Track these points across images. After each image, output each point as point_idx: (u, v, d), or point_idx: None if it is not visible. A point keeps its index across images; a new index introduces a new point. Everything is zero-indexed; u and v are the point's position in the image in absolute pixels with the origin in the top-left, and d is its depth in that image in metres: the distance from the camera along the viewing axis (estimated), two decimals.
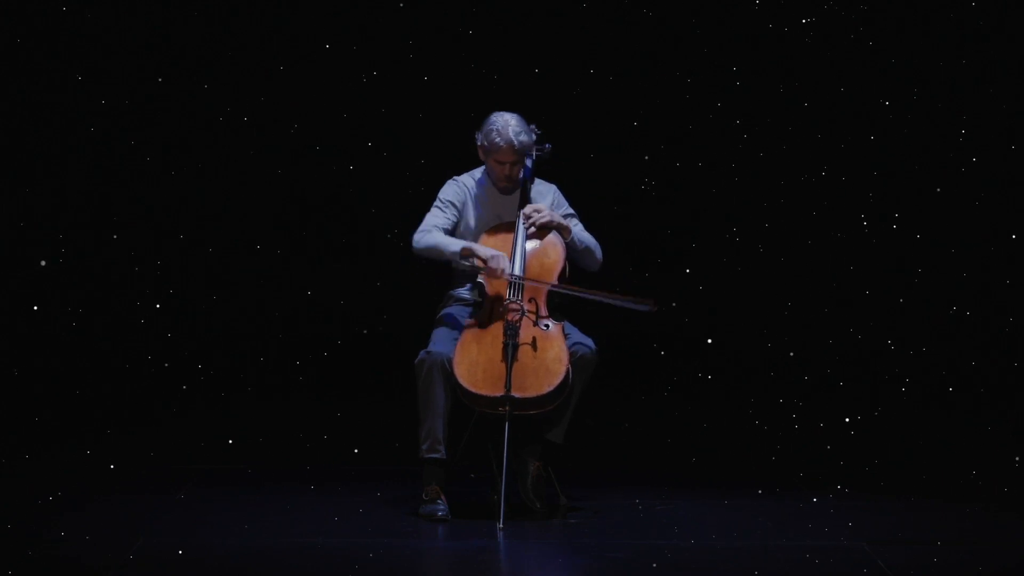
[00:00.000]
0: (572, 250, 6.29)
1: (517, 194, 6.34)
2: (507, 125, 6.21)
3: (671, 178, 8.39)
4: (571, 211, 6.41)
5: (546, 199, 6.37)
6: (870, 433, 7.86)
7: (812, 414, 8.14)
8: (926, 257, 8.29)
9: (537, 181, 6.40)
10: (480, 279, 6.20)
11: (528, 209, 6.26)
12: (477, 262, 6.14)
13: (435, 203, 6.33)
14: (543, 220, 6.25)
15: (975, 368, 8.30)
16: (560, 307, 6.26)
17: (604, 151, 8.33)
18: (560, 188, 6.45)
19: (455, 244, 6.18)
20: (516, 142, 6.21)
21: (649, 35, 8.24)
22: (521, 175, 6.33)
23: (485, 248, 6.18)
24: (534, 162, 6.34)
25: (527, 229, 6.25)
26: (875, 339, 8.41)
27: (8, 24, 7.98)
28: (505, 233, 6.27)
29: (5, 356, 8.14)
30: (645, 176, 8.39)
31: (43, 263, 8.06)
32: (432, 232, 6.23)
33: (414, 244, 6.23)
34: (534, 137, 6.30)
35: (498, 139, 6.21)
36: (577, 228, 6.34)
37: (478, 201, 6.35)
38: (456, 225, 6.32)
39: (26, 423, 7.80)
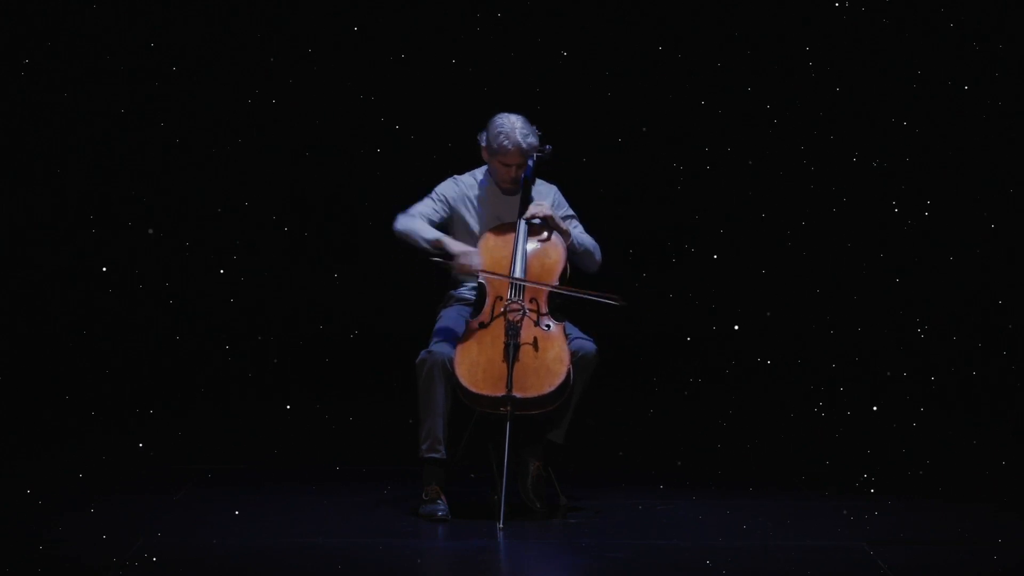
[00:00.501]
0: (571, 252, 6.29)
1: (518, 195, 6.34)
2: (514, 128, 6.21)
3: (671, 178, 8.40)
4: (571, 212, 6.41)
5: (547, 200, 6.36)
6: (870, 433, 7.86)
7: (812, 414, 8.14)
8: (927, 257, 8.29)
9: (538, 182, 6.39)
10: (481, 279, 6.20)
11: (532, 207, 6.26)
12: (445, 258, 6.13)
13: (428, 194, 6.33)
14: (545, 212, 6.25)
15: (975, 368, 8.30)
16: (561, 307, 6.26)
17: (605, 151, 8.33)
18: (560, 188, 6.45)
19: (429, 233, 6.17)
20: (524, 144, 6.21)
21: (649, 34, 8.24)
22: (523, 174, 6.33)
23: (457, 243, 6.17)
24: (535, 162, 6.34)
25: (529, 224, 6.23)
26: (875, 339, 8.41)
27: (9, 24, 7.98)
28: (507, 234, 6.26)
29: (5, 356, 8.13)
30: (646, 175, 8.39)
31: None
32: (415, 218, 6.22)
33: (394, 225, 6.22)
34: (537, 132, 6.29)
35: (506, 141, 6.20)
36: (576, 231, 6.33)
37: (479, 201, 6.34)
38: (446, 222, 6.31)
39: (26, 423, 7.80)
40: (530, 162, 6.31)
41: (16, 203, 8.14)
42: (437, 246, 6.15)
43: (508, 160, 6.23)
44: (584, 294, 6.14)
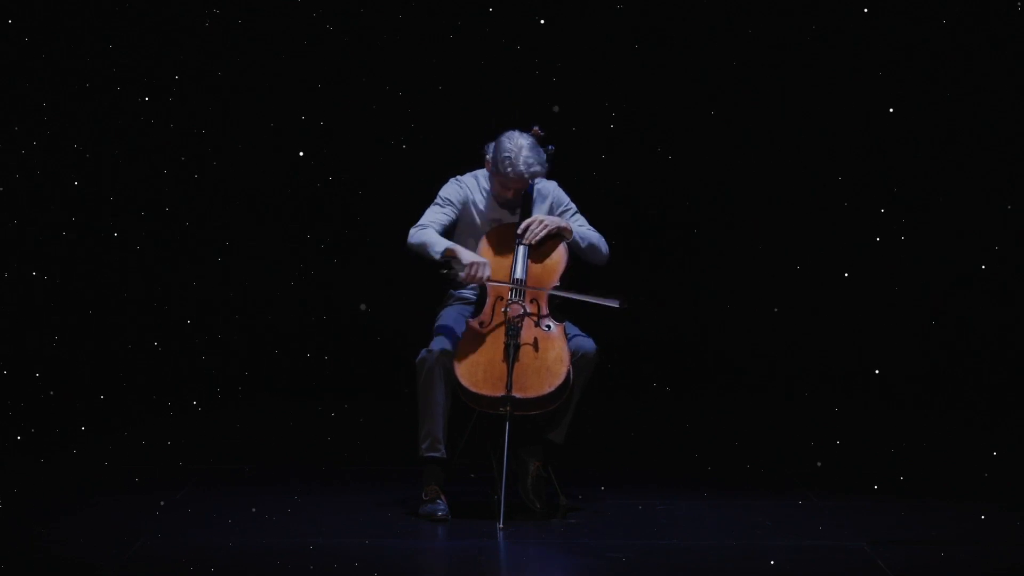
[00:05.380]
0: (576, 248, 6.26)
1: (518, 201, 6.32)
2: (519, 154, 6.14)
3: (670, 178, 8.40)
4: (572, 206, 6.38)
5: (547, 199, 6.35)
6: (870, 433, 7.86)
7: (812, 414, 8.14)
8: (929, 256, 8.29)
9: (537, 180, 6.37)
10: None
11: (522, 229, 6.22)
12: (456, 266, 6.11)
13: (435, 200, 6.31)
14: (539, 236, 6.22)
15: (976, 368, 8.30)
16: (562, 307, 6.26)
17: (605, 150, 8.33)
18: (560, 183, 6.42)
19: (440, 244, 6.13)
20: (527, 174, 6.15)
21: (650, 34, 8.24)
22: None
23: (467, 252, 6.14)
24: None
25: (527, 247, 6.21)
26: (875, 338, 8.41)
27: (12, 23, 7.99)
28: (507, 235, 6.25)
29: (6, 356, 8.13)
30: (648, 176, 8.40)
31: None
32: (426, 229, 6.19)
33: (408, 239, 6.18)
34: (544, 156, 6.24)
35: (509, 169, 6.15)
36: (577, 226, 6.31)
37: (482, 204, 6.32)
38: (455, 224, 6.30)
39: (27, 423, 7.80)
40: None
41: (19, 201, 8.15)
42: (449, 255, 6.12)
43: (509, 184, 6.20)
44: (585, 297, 6.12)
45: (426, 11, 8.17)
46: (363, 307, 8.01)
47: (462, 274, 6.10)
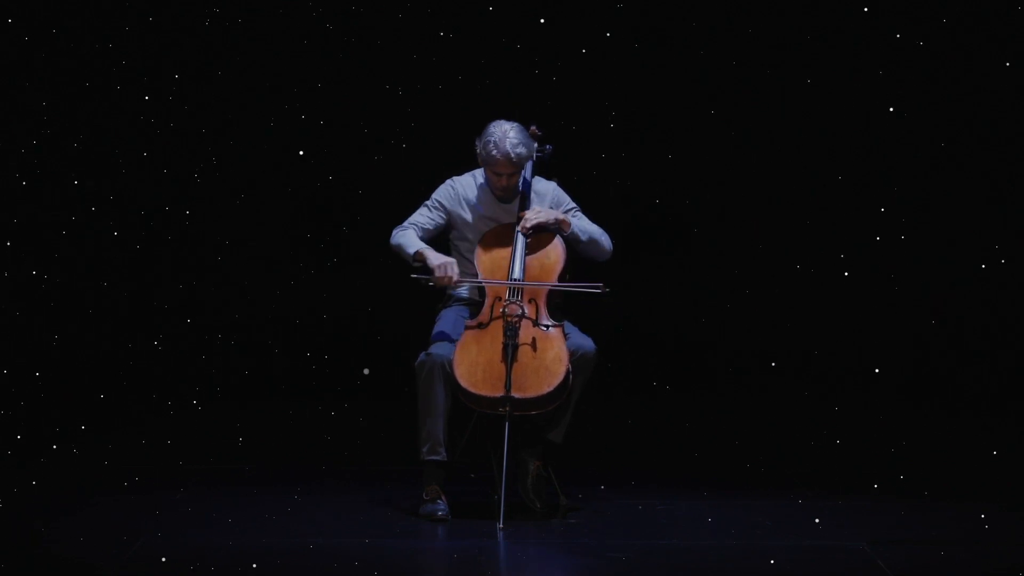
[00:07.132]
0: (576, 243, 6.25)
1: (516, 199, 6.31)
2: (505, 137, 6.17)
3: (670, 178, 8.40)
4: (573, 204, 6.37)
5: (546, 199, 6.35)
6: (870, 433, 7.86)
7: (811, 413, 8.14)
8: (928, 256, 8.29)
9: (536, 180, 6.37)
10: (481, 281, 6.19)
11: (526, 217, 6.23)
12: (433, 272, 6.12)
13: (425, 202, 6.32)
14: (536, 221, 6.22)
15: (977, 367, 8.30)
16: (560, 307, 6.25)
17: (605, 150, 8.33)
18: (560, 183, 6.42)
19: (413, 247, 6.17)
20: (513, 155, 6.17)
21: (650, 34, 8.24)
22: (520, 185, 6.30)
23: (435, 255, 6.14)
24: (534, 164, 6.32)
25: (526, 237, 6.22)
26: (876, 338, 8.41)
27: (16, 22, 8.00)
28: (505, 236, 6.25)
29: (6, 355, 8.14)
30: (648, 176, 8.40)
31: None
32: (407, 230, 6.23)
33: (391, 238, 6.24)
34: (534, 145, 6.26)
35: (495, 152, 6.17)
36: (577, 220, 6.30)
37: (478, 202, 6.33)
38: (443, 227, 6.30)
39: (27, 422, 7.80)
40: (526, 172, 6.27)
41: (20, 201, 8.15)
42: (419, 259, 6.14)
43: (498, 170, 6.21)
44: (567, 286, 6.13)
45: (425, 11, 8.18)
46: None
47: (432, 282, 6.12)
